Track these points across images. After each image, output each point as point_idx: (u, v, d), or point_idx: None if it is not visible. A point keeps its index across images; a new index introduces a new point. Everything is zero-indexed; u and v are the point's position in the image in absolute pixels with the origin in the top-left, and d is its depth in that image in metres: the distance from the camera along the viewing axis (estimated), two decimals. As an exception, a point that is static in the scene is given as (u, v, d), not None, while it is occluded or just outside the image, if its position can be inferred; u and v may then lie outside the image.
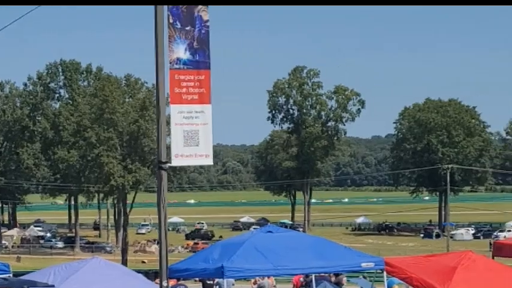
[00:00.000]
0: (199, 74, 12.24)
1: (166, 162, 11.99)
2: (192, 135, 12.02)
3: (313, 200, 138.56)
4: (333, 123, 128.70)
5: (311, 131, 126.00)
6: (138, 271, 25.26)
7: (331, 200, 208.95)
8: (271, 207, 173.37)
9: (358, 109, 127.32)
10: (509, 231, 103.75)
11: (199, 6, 12.22)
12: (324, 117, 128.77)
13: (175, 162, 12.08)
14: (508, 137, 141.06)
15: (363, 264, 15.76)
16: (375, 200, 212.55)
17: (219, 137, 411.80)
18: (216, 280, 21.94)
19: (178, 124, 12.00)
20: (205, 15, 12.27)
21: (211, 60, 12.26)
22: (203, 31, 12.25)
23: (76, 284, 15.49)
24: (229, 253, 15.13)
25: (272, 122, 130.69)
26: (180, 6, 12.08)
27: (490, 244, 22.75)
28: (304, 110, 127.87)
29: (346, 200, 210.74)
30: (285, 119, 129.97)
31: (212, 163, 12.39)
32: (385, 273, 16.47)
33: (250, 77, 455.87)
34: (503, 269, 16.39)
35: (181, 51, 12.14)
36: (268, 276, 24.79)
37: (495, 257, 19.30)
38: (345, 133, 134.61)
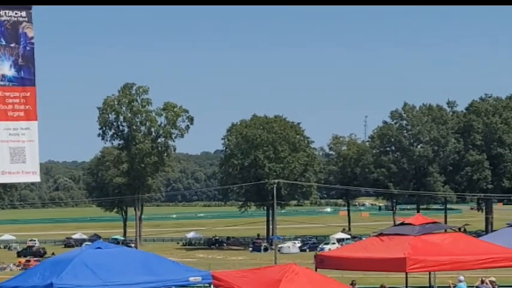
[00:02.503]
0: (25, 91, 12.14)
1: (-8, 180, 11.83)
2: (18, 152, 11.91)
3: (144, 216, 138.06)
4: (163, 139, 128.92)
5: (141, 147, 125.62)
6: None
7: (161, 216, 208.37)
8: (104, 224, 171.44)
9: (187, 125, 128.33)
10: (334, 243, 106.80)
11: (24, 23, 12.12)
12: (153, 134, 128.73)
13: (2, 179, 11.94)
14: (331, 152, 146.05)
15: (191, 279, 16.04)
16: (202, 215, 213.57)
17: (50, 153, 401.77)
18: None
19: (4, 141, 11.87)
20: (30, 32, 12.20)
21: (37, 76, 12.19)
22: (28, 48, 12.16)
23: None
24: (58, 270, 15.04)
25: (103, 139, 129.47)
26: (5, 22, 11.96)
27: (314, 257, 23.52)
28: (134, 127, 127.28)
29: (174, 215, 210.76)
30: (115, 136, 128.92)
31: (39, 180, 12.32)
32: (212, 287, 16.81)
33: (81, 93, 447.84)
34: (324, 281, 17.05)
35: (6, 68, 12.02)
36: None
37: (318, 269, 19.93)
38: (175, 149, 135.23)
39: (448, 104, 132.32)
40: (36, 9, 12.34)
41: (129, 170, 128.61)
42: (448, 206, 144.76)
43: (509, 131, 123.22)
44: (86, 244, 77.96)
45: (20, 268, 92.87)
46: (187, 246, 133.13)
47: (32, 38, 12.26)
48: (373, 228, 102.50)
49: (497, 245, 19.45)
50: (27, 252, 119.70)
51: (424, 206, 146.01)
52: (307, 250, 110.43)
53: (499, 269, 21.03)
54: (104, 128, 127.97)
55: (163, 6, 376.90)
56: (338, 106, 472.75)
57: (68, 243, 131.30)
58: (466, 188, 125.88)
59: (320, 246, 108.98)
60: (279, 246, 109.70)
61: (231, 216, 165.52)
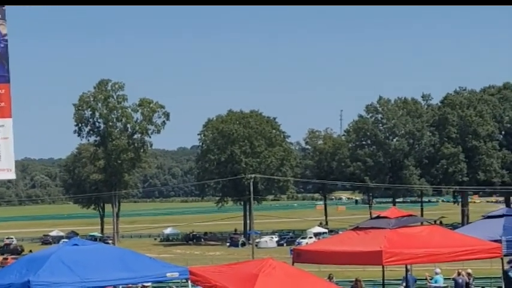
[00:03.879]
0: (-1, 88, 12.09)
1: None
2: (-8, 150, 11.84)
3: (121, 212, 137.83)
4: (139, 135, 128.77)
5: (117, 144, 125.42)
6: None
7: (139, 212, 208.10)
8: (81, 220, 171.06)
9: (163, 121, 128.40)
10: (311, 238, 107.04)
11: (-3, 21, 12.07)
12: (130, 130, 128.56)
13: (-23, 177, 11.88)
14: (307, 147, 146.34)
15: (168, 274, 16.05)
16: (181, 210, 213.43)
17: (26, 150, 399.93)
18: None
19: (-21, 139, 11.80)
20: (3, 29, 12.14)
21: (12, 73, 12.14)
22: (2, 45, 12.11)
23: None
24: (35, 267, 14.99)
25: (79, 135, 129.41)
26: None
27: (291, 251, 23.66)
28: (110, 123, 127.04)
29: (152, 211, 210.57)
30: (91, 132, 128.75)
31: (15, 177, 12.30)
32: (189, 282, 16.82)
33: (57, 90, 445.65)
34: (300, 274, 17.10)
35: (-21, 65, 11.96)
36: (76, 290, 24.61)
37: (295, 263, 19.98)
38: (151, 145, 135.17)
39: (422, 97, 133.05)
40: (10, 6, 12.29)
41: (105, 167, 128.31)
42: (425, 198, 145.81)
43: (483, 124, 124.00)
44: (63, 241, 77.48)
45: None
46: (164, 242, 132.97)
47: (5, 35, 12.20)
48: (350, 222, 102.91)
49: (473, 237, 19.60)
50: (4, 250, 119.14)
51: (400, 199, 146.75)
52: (285, 244, 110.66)
53: (475, 261, 21.22)
54: (80, 125, 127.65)
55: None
56: (314, 100, 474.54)
57: (45, 241, 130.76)
58: (441, 181, 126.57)
59: (297, 240, 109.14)
60: (257, 241, 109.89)
61: (208, 212, 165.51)
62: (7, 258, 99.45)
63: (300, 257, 20.46)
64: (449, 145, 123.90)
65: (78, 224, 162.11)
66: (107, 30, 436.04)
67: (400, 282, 29.10)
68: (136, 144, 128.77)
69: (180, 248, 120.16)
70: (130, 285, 21.16)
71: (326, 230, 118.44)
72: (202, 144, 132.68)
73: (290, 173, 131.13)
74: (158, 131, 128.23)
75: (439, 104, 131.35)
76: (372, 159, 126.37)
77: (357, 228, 20.26)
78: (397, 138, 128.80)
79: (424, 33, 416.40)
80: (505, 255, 19.82)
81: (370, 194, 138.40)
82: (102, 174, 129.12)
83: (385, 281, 21.61)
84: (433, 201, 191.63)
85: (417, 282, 31.57)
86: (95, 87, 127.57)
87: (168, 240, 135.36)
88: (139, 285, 23.85)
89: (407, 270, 27.90)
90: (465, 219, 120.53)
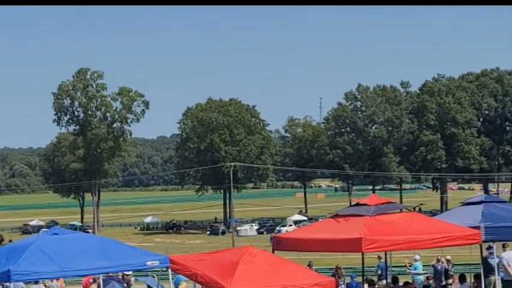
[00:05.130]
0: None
1: None
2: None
3: (101, 201, 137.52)
4: (119, 124, 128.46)
5: (97, 133, 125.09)
6: None
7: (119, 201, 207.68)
8: (61, 210, 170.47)
9: (143, 110, 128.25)
10: (291, 225, 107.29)
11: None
12: (109, 119, 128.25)
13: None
14: (287, 135, 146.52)
15: (148, 263, 16.07)
16: (161, 199, 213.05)
17: (6, 140, 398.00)
18: (5, 284, 21.51)
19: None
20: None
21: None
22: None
23: None
24: (15, 257, 14.96)
25: (58, 124, 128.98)
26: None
27: (271, 239, 23.71)
28: (90, 112, 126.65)
29: (132, 199, 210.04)
30: (70, 121, 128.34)
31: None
32: (170, 270, 16.85)
33: (36, 79, 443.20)
34: (280, 262, 17.17)
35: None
36: (57, 279, 24.61)
37: (275, 251, 20.03)
38: (131, 134, 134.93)
39: (401, 84, 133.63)
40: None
41: (85, 156, 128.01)
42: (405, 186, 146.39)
43: (462, 111, 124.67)
44: (43, 230, 77.17)
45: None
46: (145, 231, 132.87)
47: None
48: (330, 209, 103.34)
49: (452, 223, 19.71)
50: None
51: (380, 187, 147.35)
52: (265, 232, 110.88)
53: (454, 248, 21.38)
54: (59, 114, 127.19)
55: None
56: (293, 88, 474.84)
57: (25, 230, 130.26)
58: (420, 168, 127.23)
59: (277, 228, 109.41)
60: (237, 229, 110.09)
61: (188, 200, 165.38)
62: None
63: (280, 244, 20.50)
64: (428, 132, 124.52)
65: (58, 213, 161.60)
66: (86, 18, 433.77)
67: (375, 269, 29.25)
68: (115, 133, 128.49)
69: (160, 236, 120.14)
70: (110, 274, 21.18)
71: (306, 218, 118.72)
72: (182, 132, 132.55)
73: (270, 161, 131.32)
74: (138, 120, 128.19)
75: (418, 91, 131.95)
76: (351, 147, 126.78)
77: (336, 216, 20.31)
78: (376, 125, 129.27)
79: (403, 20, 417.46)
80: (483, 242, 19.95)
81: (350, 182, 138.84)
82: (82, 163, 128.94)
83: (365, 268, 21.69)
84: (413, 189, 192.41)
85: (395, 269, 31.75)
86: (74, 76, 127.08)
87: (148, 229, 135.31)
88: (120, 273, 23.87)
89: (379, 258, 28.12)
90: (444, 206, 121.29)
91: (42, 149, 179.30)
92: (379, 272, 28.37)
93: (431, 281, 28.17)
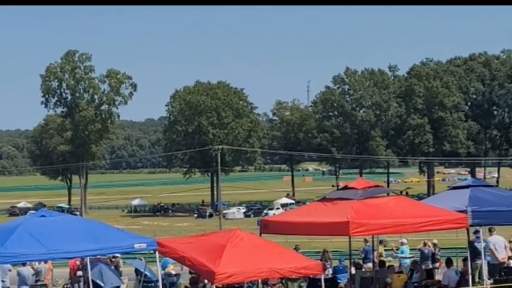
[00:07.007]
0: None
1: None
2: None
3: (89, 184, 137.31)
4: (106, 106, 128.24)
5: (85, 115, 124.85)
6: None
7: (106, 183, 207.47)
8: (48, 192, 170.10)
9: (131, 92, 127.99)
10: (278, 208, 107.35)
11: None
12: (97, 101, 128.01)
13: None
14: (275, 118, 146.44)
15: (136, 246, 16.10)
16: (148, 181, 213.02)
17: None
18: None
19: None
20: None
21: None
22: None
23: None
24: (3, 239, 14.95)
25: (46, 106, 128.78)
26: None
27: (259, 222, 23.73)
28: (77, 94, 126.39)
29: (120, 182, 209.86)
30: (58, 103, 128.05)
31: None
32: (157, 253, 16.87)
33: (23, 61, 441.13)
34: (267, 245, 17.24)
35: None
36: (45, 261, 24.57)
37: (262, 234, 20.07)
38: (119, 116, 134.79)
39: (389, 68, 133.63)
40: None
41: (73, 138, 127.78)
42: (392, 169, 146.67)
43: (449, 95, 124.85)
44: (31, 213, 77.05)
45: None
46: (132, 214, 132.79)
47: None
48: (317, 193, 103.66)
49: (439, 207, 19.77)
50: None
51: (367, 170, 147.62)
52: (252, 216, 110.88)
53: (441, 232, 21.43)
54: (47, 96, 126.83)
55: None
56: (281, 71, 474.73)
57: (13, 212, 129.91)
58: (408, 152, 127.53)
59: (264, 211, 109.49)
60: (224, 212, 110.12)
61: (175, 183, 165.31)
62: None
63: (267, 228, 20.55)
64: (416, 116, 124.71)
65: (46, 196, 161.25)
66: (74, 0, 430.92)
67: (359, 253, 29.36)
68: (103, 116, 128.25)
69: (147, 219, 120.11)
70: (98, 256, 21.17)
71: (293, 201, 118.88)
72: (170, 115, 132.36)
73: (257, 144, 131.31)
74: (125, 102, 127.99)
75: (406, 75, 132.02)
76: (339, 130, 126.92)
77: (324, 199, 20.36)
78: (363, 109, 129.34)
79: (391, 4, 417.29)
80: (470, 226, 20.02)
81: (337, 165, 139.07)
82: (70, 145, 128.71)
83: (352, 251, 21.77)
84: (399, 172, 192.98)
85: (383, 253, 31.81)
86: (62, 58, 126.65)
87: (135, 212, 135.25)
88: (108, 256, 23.86)
89: (366, 241, 28.19)
90: (431, 190, 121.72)
91: (30, 131, 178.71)
92: (363, 255, 28.46)
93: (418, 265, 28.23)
